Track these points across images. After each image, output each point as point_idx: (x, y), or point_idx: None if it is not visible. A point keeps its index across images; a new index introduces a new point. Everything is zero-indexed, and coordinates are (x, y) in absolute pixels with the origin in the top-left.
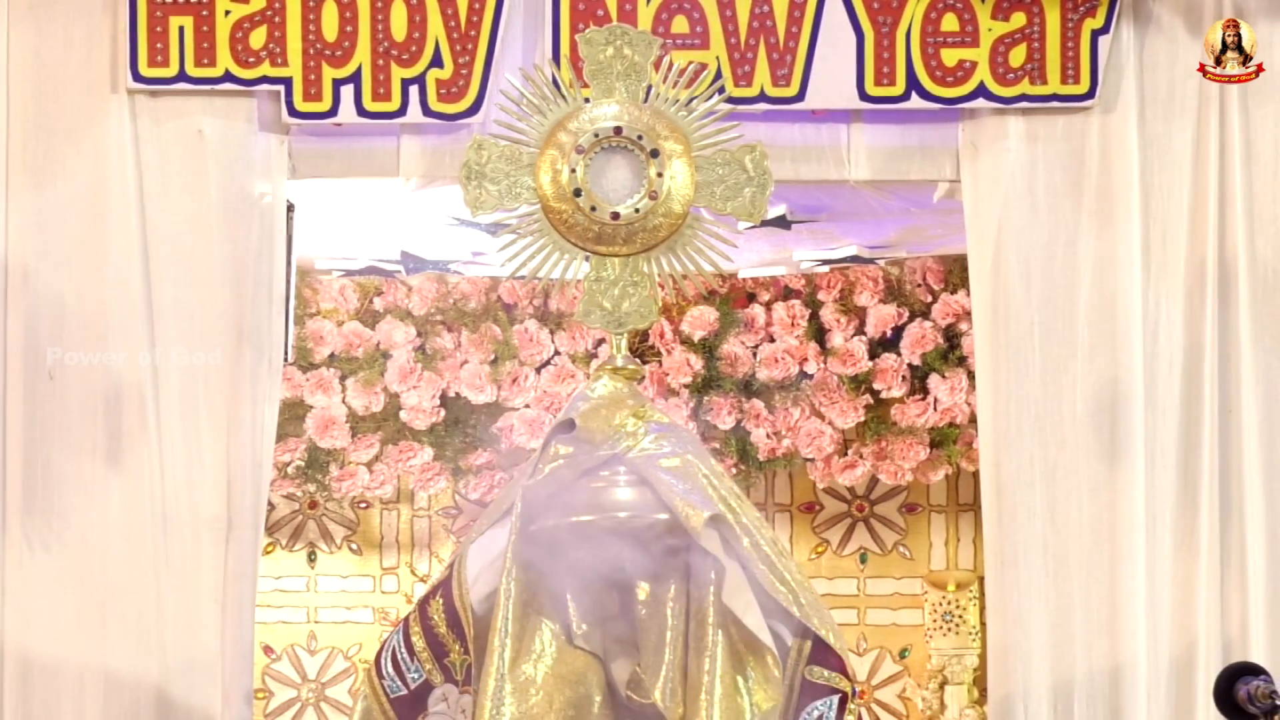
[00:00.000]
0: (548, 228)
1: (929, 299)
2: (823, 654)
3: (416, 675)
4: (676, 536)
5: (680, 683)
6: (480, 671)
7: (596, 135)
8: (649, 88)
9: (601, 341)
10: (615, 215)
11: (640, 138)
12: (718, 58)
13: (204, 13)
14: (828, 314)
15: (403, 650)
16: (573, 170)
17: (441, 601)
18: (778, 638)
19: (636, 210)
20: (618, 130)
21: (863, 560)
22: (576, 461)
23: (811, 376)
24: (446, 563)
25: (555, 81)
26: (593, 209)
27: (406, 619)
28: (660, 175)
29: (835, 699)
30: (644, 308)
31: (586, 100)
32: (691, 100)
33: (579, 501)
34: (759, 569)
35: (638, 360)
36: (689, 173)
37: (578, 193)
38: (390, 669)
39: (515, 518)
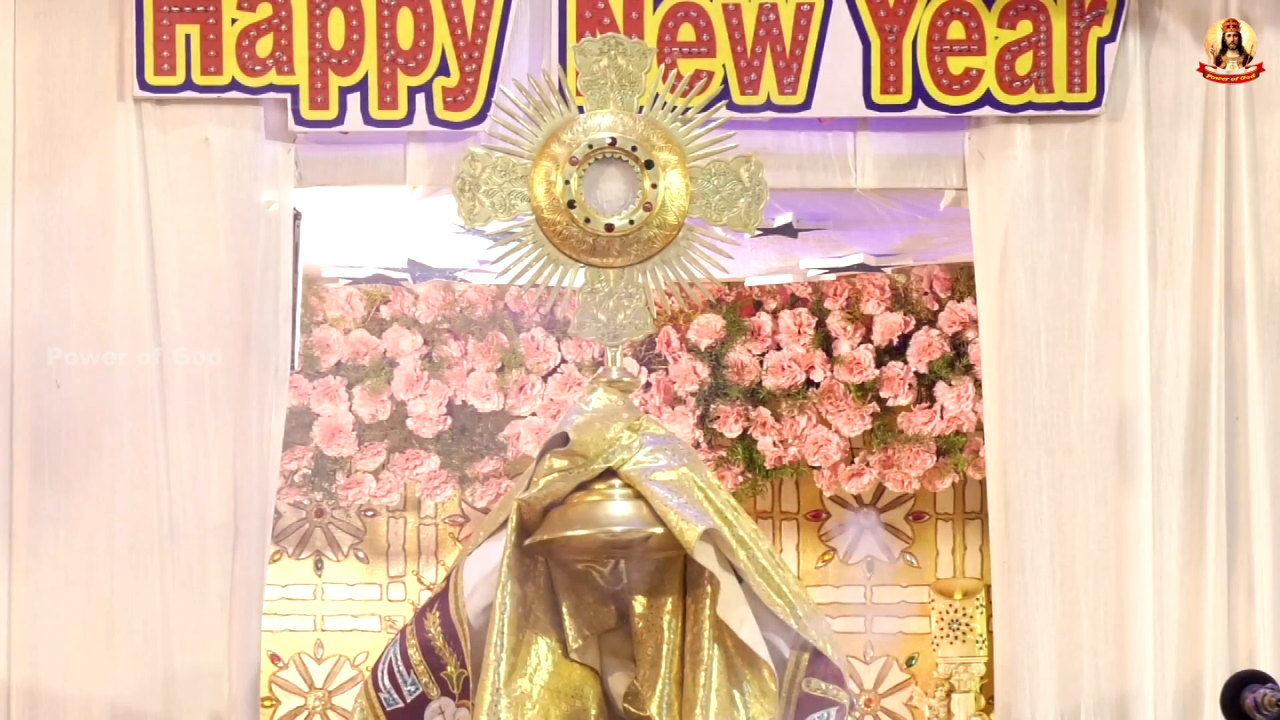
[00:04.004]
0: (542, 239)
1: (935, 307)
2: (821, 666)
3: (413, 688)
4: (672, 550)
5: (676, 696)
6: (476, 685)
7: (591, 146)
8: (654, 98)
9: None
10: (609, 227)
11: (635, 149)
12: (724, 66)
13: (210, 21)
14: (834, 322)
15: (399, 663)
16: (566, 182)
17: (438, 614)
18: (775, 650)
19: (631, 222)
20: (612, 141)
21: (869, 568)
22: (571, 475)
23: (818, 384)
24: (443, 576)
25: (561, 89)
26: (587, 221)
27: (403, 631)
28: (655, 186)
29: (833, 711)
30: (639, 319)
31: (580, 109)
32: (688, 110)
33: (574, 515)
34: (755, 581)
35: (632, 373)
36: (684, 184)
37: (571, 204)
38: (387, 681)
39: (510, 531)
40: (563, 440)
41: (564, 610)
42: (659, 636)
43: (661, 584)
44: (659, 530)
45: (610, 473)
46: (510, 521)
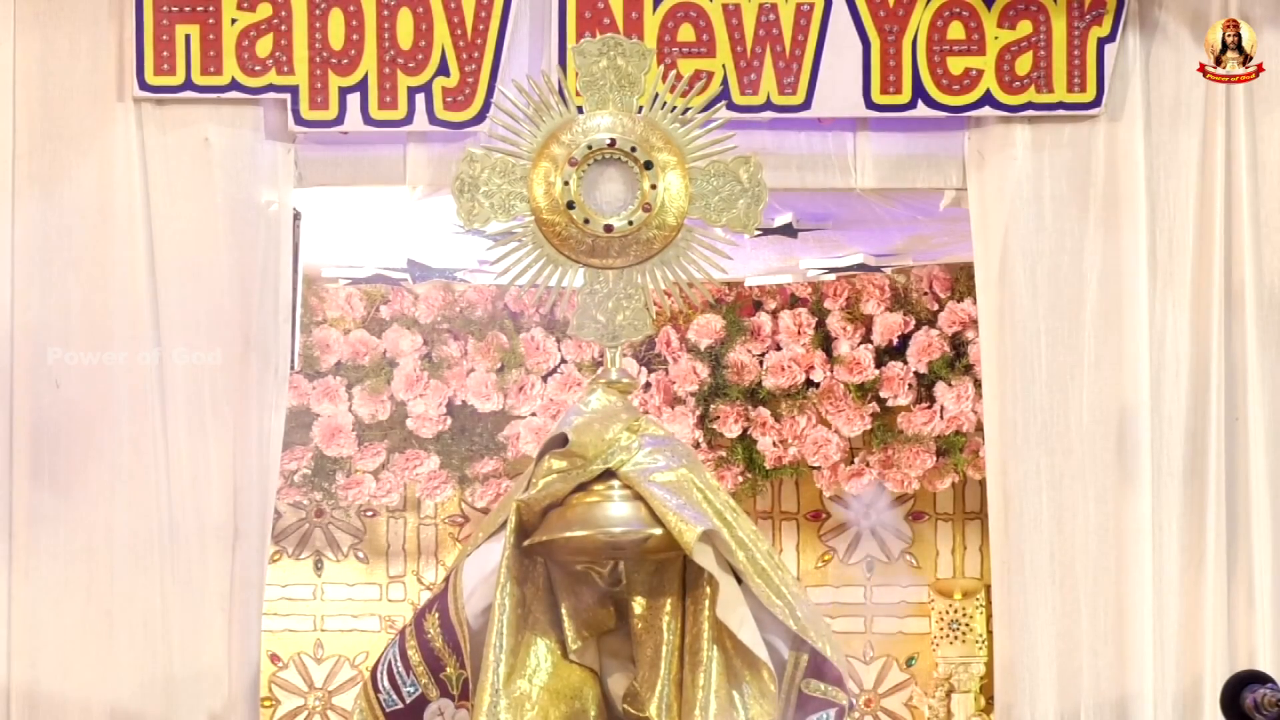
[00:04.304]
0: (541, 240)
1: (935, 307)
2: (820, 667)
3: (412, 689)
4: (671, 551)
5: (676, 698)
6: (476, 687)
7: (590, 147)
8: (655, 98)
9: None
10: (609, 228)
11: (634, 149)
12: (724, 66)
13: (210, 21)
14: (834, 322)
15: (398, 664)
16: (565, 183)
17: (437, 616)
18: (774, 651)
19: (630, 223)
20: (611, 142)
21: (869, 569)
22: (570, 476)
23: (818, 385)
24: (442, 577)
25: (560, 90)
26: (586, 222)
27: (402, 632)
28: (654, 187)
29: (832, 712)
30: (638, 320)
31: (580, 109)
32: (688, 110)
33: (573, 516)
34: (755, 583)
35: (631, 374)
36: (683, 184)
37: (571, 205)
38: (386, 683)
39: (509, 532)
40: (561, 441)
41: (563, 611)
42: (658, 638)
43: (661, 585)
44: (658, 531)
45: (609, 474)
46: (509, 523)
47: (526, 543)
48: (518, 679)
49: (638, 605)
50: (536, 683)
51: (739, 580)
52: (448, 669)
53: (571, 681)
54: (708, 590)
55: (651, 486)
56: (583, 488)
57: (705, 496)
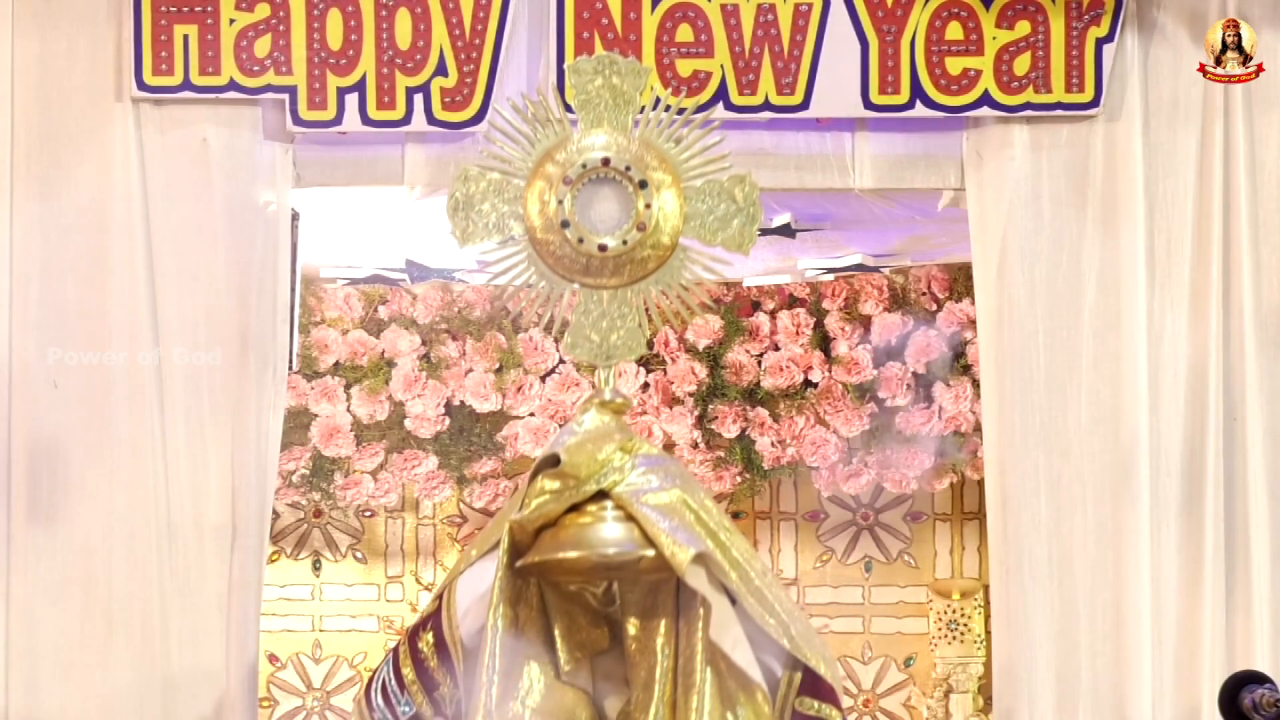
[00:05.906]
0: (535, 259)
1: (934, 307)
2: (813, 684)
3: (407, 708)
4: (665, 572)
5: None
6: (469, 707)
7: (584, 166)
8: (656, 101)
9: None
10: (603, 247)
11: (628, 168)
12: (722, 66)
13: (208, 21)
14: (832, 322)
15: (393, 682)
16: (560, 202)
17: (431, 635)
18: (768, 670)
19: (624, 242)
20: (606, 161)
21: (868, 569)
22: (563, 496)
23: (816, 385)
24: (435, 594)
25: (556, 110)
26: (580, 241)
27: (396, 650)
28: (649, 207)
29: None
30: (632, 339)
31: (571, 109)
32: (697, 112)
33: (565, 537)
34: (748, 602)
35: (625, 394)
36: (678, 204)
37: (565, 224)
38: (380, 701)
39: (502, 553)
40: (554, 461)
41: (556, 632)
42: (652, 659)
43: (655, 606)
44: (650, 553)
45: (602, 494)
46: (502, 543)
47: (519, 563)
48: (510, 700)
49: (632, 626)
50: (529, 704)
51: (733, 601)
52: (442, 688)
53: (564, 703)
54: (701, 612)
55: (644, 508)
56: (576, 508)
57: (698, 517)
